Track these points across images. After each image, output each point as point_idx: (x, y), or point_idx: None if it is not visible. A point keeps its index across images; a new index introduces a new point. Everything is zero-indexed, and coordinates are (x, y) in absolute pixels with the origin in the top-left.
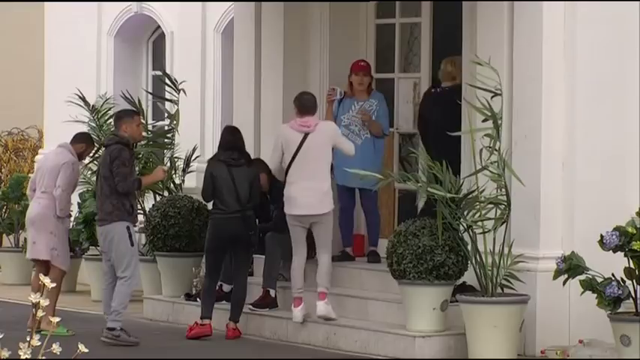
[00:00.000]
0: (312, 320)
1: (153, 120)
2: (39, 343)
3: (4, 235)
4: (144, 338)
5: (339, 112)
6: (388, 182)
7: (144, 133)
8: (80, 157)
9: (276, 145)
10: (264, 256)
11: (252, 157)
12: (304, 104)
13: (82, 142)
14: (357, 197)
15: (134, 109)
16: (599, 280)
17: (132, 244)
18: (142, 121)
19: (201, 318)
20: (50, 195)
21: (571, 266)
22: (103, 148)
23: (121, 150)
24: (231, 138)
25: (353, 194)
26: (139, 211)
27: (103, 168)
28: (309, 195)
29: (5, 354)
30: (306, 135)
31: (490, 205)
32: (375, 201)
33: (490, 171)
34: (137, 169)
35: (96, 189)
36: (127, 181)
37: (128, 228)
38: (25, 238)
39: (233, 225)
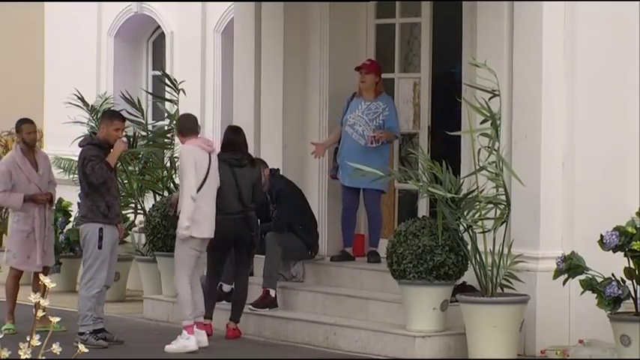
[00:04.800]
0: (313, 320)
1: (153, 120)
2: (39, 343)
3: (4, 235)
4: (144, 338)
5: (347, 113)
6: (389, 179)
7: (143, 133)
8: (26, 144)
9: (191, 165)
10: (264, 256)
11: (253, 157)
12: (193, 123)
13: (16, 132)
14: (361, 198)
15: (120, 114)
16: (599, 280)
17: (100, 247)
18: (125, 128)
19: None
20: None
21: (571, 266)
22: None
23: (88, 149)
24: (233, 138)
25: (357, 195)
26: (139, 212)
27: (77, 171)
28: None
29: (5, 354)
30: (210, 155)
31: (490, 205)
32: (379, 203)
33: (488, 171)
34: (137, 169)
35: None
36: (94, 172)
37: (100, 230)
38: None
39: (235, 226)
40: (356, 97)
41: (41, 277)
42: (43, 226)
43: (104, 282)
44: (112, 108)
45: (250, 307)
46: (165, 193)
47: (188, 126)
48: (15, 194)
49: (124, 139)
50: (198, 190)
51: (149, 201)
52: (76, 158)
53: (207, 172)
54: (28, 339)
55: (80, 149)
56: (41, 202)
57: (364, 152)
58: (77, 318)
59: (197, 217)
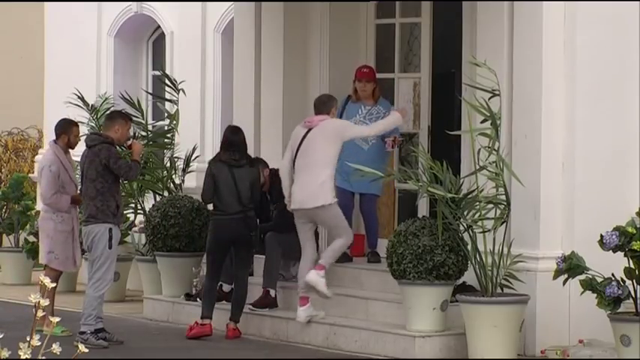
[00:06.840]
0: (313, 320)
1: (153, 120)
2: (39, 343)
3: (4, 235)
4: (144, 338)
5: (345, 117)
6: (389, 179)
7: (143, 133)
8: (69, 146)
9: (288, 143)
10: (264, 256)
11: (252, 157)
12: (314, 104)
13: (61, 132)
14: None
15: (127, 113)
16: (599, 280)
17: (110, 247)
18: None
19: (202, 318)
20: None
21: (571, 266)
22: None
23: (109, 148)
24: (232, 138)
25: (352, 196)
26: (139, 212)
27: (88, 170)
28: (304, 188)
29: (5, 354)
30: (308, 131)
31: (490, 205)
32: (375, 207)
33: (489, 170)
34: None
35: (82, 190)
36: (131, 169)
37: (110, 230)
38: (25, 239)
39: (234, 226)
40: (352, 101)
41: (41, 277)
42: (77, 226)
43: (111, 281)
44: (113, 108)
45: (250, 307)
46: (165, 193)
47: (314, 108)
48: (64, 196)
49: (136, 140)
50: (293, 164)
51: (149, 201)
52: (77, 158)
53: (299, 148)
54: (28, 339)
55: (89, 148)
56: (80, 202)
57: (366, 156)
58: (81, 317)
59: (292, 190)
